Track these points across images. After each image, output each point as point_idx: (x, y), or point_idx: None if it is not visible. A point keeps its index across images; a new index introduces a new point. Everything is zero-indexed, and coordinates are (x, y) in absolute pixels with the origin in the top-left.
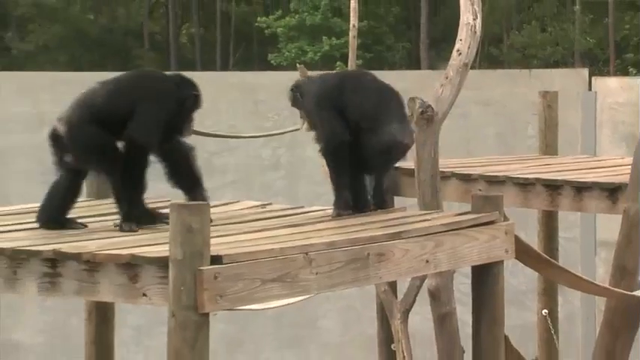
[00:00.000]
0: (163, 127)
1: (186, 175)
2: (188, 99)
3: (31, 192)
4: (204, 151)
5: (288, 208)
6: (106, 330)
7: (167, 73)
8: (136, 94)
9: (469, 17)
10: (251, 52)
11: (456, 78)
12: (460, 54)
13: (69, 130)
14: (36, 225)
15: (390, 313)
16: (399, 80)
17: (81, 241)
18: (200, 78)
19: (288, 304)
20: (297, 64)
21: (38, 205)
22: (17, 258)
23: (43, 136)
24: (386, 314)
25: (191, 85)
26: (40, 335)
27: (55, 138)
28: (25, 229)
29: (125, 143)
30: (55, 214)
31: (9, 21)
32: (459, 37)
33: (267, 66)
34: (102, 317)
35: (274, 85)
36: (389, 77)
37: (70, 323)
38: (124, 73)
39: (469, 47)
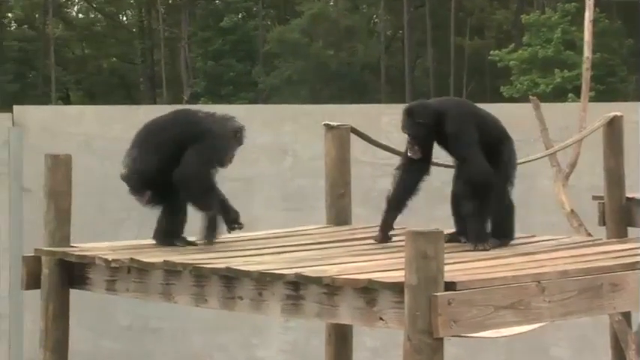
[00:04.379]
0: None
1: None
2: None
3: (274, 218)
4: (438, 180)
5: (521, 237)
6: (344, 351)
7: None
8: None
9: None
10: (483, 85)
11: None
12: None
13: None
14: (280, 250)
15: (624, 344)
16: (632, 112)
17: (322, 265)
18: None
19: (520, 332)
20: (530, 97)
21: (282, 230)
22: (263, 280)
23: (285, 165)
24: (620, 344)
25: None
26: (283, 354)
27: None
28: (269, 254)
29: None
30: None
31: (256, 57)
32: None
33: (499, 98)
34: (341, 339)
35: (506, 117)
36: (621, 108)
37: (311, 344)
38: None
39: None
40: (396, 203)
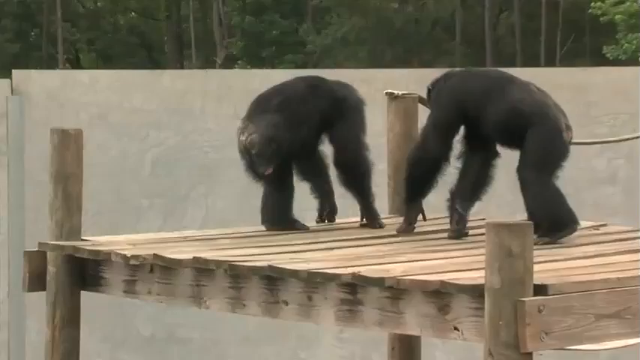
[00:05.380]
0: None
1: None
2: None
3: None
4: None
5: (628, 231)
6: None
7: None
8: None
9: None
10: (582, 45)
11: None
12: None
13: None
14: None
15: None
16: None
17: (384, 264)
18: (520, 75)
19: (627, 345)
20: (639, 59)
21: (336, 222)
22: (313, 282)
23: None
24: None
25: None
26: None
27: None
28: (321, 249)
29: None
30: None
31: (304, 12)
32: None
33: (601, 60)
34: (406, 352)
35: (610, 84)
36: None
37: (370, 358)
38: None
39: None
40: (465, 195)
